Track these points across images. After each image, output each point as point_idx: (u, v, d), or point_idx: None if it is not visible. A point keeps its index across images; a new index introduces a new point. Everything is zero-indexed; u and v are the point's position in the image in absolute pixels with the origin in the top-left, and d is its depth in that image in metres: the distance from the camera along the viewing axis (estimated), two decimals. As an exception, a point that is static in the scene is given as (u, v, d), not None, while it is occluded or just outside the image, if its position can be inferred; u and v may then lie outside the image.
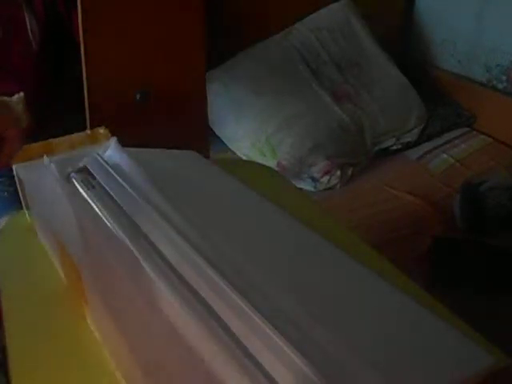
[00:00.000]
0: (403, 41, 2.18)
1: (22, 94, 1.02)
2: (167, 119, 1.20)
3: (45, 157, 0.62)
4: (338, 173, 1.66)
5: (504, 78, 1.89)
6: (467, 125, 1.94)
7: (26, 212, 0.78)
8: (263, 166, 1.18)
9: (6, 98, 1.02)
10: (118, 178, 0.55)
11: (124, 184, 0.54)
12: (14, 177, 0.73)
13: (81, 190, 0.55)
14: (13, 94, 1.03)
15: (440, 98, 2.01)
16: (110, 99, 1.12)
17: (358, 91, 1.85)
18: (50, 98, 1.20)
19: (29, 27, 1.10)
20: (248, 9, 1.78)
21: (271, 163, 1.63)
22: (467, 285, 1.25)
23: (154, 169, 0.58)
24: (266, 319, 0.37)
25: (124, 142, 0.62)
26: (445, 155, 1.79)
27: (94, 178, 0.57)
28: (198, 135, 1.28)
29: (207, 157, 1.26)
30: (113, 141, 0.62)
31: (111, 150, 0.61)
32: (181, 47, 1.16)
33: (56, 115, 1.20)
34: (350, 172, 1.69)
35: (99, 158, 0.59)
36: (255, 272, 0.42)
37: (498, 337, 0.54)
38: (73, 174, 0.58)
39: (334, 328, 0.38)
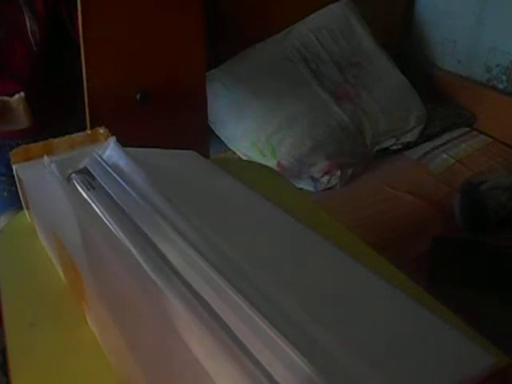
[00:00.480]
0: (403, 41, 2.19)
1: (22, 93, 1.02)
2: (167, 119, 1.20)
3: (45, 157, 0.62)
4: (338, 173, 1.66)
5: (504, 77, 1.89)
6: (467, 125, 1.94)
7: (26, 212, 0.78)
8: (263, 165, 1.18)
9: (6, 98, 1.02)
10: (118, 178, 0.55)
11: (124, 185, 0.54)
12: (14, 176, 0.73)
13: (81, 191, 0.55)
14: (13, 94, 1.03)
15: (440, 98, 2.01)
16: (109, 99, 1.12)
17: (358, 91, 1.85)
18: (51, 97, 1.20)
19: (29, 28, 1.10)
20: (248, 9, 1.78)
21: (271, 163, 1.63)
22: (467, 285, 1.25)
23: (154, 169, 0.58)
24: (267, 319, 0.37)
25: (124, 142, 0.62)
26: (445, 155, 1.79)
27: (94, 179, 0.57)
28: (198, 135, 1.29)
29: (207, 157, 1.26)
30: (111, 141, 0.62)
31: (110, 150, 0.61)
32: (181, 47, 1.17)
33: (56, 115, 1.20)
34: (349, 172, 1.69)
35: (99, 159, 0.59)
36: (255, 272, 0.42)
37: (498, 337, 0.54)
38: (73, 175, 0.58)
39: (334, 328, 0.38)
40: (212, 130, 1.77)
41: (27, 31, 1.10)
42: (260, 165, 1.20)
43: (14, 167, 0.71)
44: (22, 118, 1.03)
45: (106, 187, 0.55)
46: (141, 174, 0.55)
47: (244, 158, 1.74)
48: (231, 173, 0.64)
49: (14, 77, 1.13)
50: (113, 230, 0.49)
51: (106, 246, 0.49)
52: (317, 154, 1.65)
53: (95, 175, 0.57)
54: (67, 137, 0.72)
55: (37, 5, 1.11)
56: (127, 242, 0.46)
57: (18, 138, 1.16)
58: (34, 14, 1.10)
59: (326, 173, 1.65)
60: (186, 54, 1.18)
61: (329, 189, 1.66)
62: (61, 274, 0.68)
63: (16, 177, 0.72)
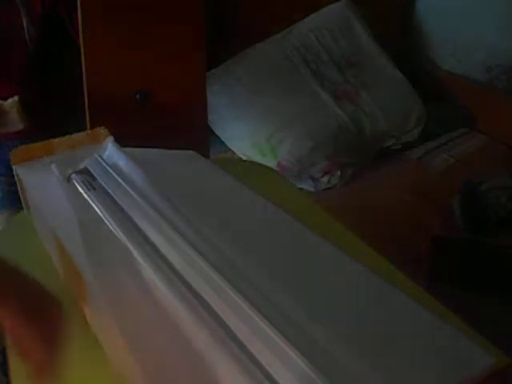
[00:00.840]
0: (403, 41, 2.18)
1: (16, 97, 1.02)
2: (167, 119, 1.20)
3: (45, 157, 0.62)
4: (338, 173, 1.66)
5: (504, 77, 1.89)
6: (467, 125, 1.94)
7: (26, 212, 0.78)
8: (263, 165, 1.18)
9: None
10: (118, 178, 0.55)
11: (124, 185, 0.54)
12: (13, 176, 0.73)
13: (81, 191, 0.55)
14: (11, 96, 1.03)
15: (440, 98, 2.01)
16: (110, 99, 1.12)
17: (358, 91, 1.85)
18: (50, 98, 1.20)
19: (26, 29, 1.10)
20: (248, 9, 1.78)
21: (271, 163, 1.63)
22: (467, 285, 1.25)
23: (153, 169, 0.58)
24: (267, 319, 0.37)
25: (124, 142, 0.63)
26: (445, 155, 1.78)
27: (95, 179, 0.57)
28: (198, 135, 1.29)
29: (207, 157, 1.26)
30: (109, 141, 0.62)
31: (109, 151, 0.61)
32: (181, 47, 1.17)
33: (56, 115, 1.20)
34: (349, 172, 1.69)
35: (99, 159, 0.59)
36: (255, 272, 0.42)
37: (498, 337, 0.54)
38: (73, 175, 0.58)
39: (334, 328, 0.38)
40: (212, 130, 1.77)
41: (24, 32, 1.10)
42: (260, 165, 1.21)
43: (14, 167, 0.71)
44: (15, 121, 1.04)
45: (106, 187, 0.55)
46: (141, 174, 0.55)
47: (244, 158, 1.74)
48: (231, 173, 0.64)
49: (10, 78, 1.12)
50: (113, 230, 0.49)
51: (106, 245, 0.50)
52: (317, 153, 1.65)
53: (95, 175, 0.57)
54: (67, 137, 0.72)
55: (34, 5, 1.10)
56: (127, 242, 0.47)
57: (17, 138, 1.16)
58: (31, 14, 1.09)
59: (326, 173, 1.65)
60: (186, 54, 1.18)
61: (329, 189, 1.66)
62: (61, 273, 0.68)
63: (16, 177, 0.72)
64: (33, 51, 1.13)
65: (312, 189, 1.66)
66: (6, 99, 1.04)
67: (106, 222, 0.50)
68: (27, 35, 1.10)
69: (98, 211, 0.52)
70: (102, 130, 0.73)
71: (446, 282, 1.26)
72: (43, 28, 1.12)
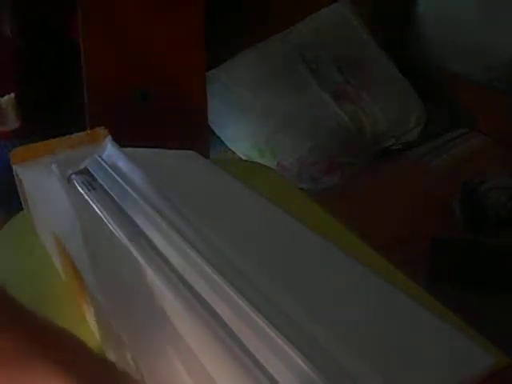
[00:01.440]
0: (403, 41, 2.18)
1: (12, 95, 1.02)
2: (167, 119, 1.20)
3: (45, 157, 0.62)
4: (338, 173, 1.66)
5: (504, 78, 1.89)
6: (467, 125, 1.94)
7: (26, 212, 0.78)
8: (263, 165, 1.18)
9: None
10: (118, 179, 0.55)
11: (124, 185, 0.54)
12: (12, 176, 0.72)
13: (82, 192, 0.55)
14: (7, 93, 1.03)
15: (440, 98, 2.01)
16: (110, 99, 1.12)
17: (358, 91, 1.85)
18: (50, 98, 1.20)
19: (8, 31, 1.09)
20: (248, 9, 1.78)
21: (271, 163, 1.63)
22: (467, 285, 1.25)
23: (153, 169, 0.58)
24: (267, 319, 0.37)
25: (124, 142, 0.63)
26: (445, 155, 1.79)
27: (95, 179, 0.57)
28: (198, 135, 1.29)
29: (207, 157, 1.26)
30: (108, 141, 0.62)
31: (109, 151, 0.61)
32: (181, 47, 1.17)
33: (56, 115, 1.20)
34: (349, 172, 1.69)
35: (99, 159, 0.59)
36: (255, 272, 0.42)
37: (498, 337, 0.54)
38: (73, 176, 0.58)
39: (334, 328, 0.38)
40: (212, 130, 1.77)
41: (13, 31, 1.10)
42: (260, 165, 1.21)
43: (13, 167, 0.71)
44: (11, 119, 1.04)
45: (106, 187, 0.55)
46: (140, 174, 0.55)
47: (244, 158, 1.74)
48: (231, 173, 0.64)
49: (6, 76, 1.12)
50: (113, 230, 0.49)
51: (106, 245, 0.50)
52: (317, 153, 1.65)
53: (95, 176, 0.57)
54: (67, 137, 0.72)
55: (22, 6, 1.09)
56: (127, 242, 0.47)
57: (13, 137, 1.16)
58: (16, 15, 1.09)
59: (326, 173, 1.65)
60: (186, 54, 1.18)
61: (329, 189, 1.66)
62: (61, 273, 0.68)
63: (16, 177, 0.72)
64: (25, 49, 1.12)
65: (312, 189, 1.66)
66: (2, 96, 1.04)
67: (106, 222, 0.50)
68: (10, 34, 1.09)
69: (98, 211, 0.52)
70: (101, 130, 0.73)
71: (446, 282, 1.26)
72: (36, 34, 1.12)
